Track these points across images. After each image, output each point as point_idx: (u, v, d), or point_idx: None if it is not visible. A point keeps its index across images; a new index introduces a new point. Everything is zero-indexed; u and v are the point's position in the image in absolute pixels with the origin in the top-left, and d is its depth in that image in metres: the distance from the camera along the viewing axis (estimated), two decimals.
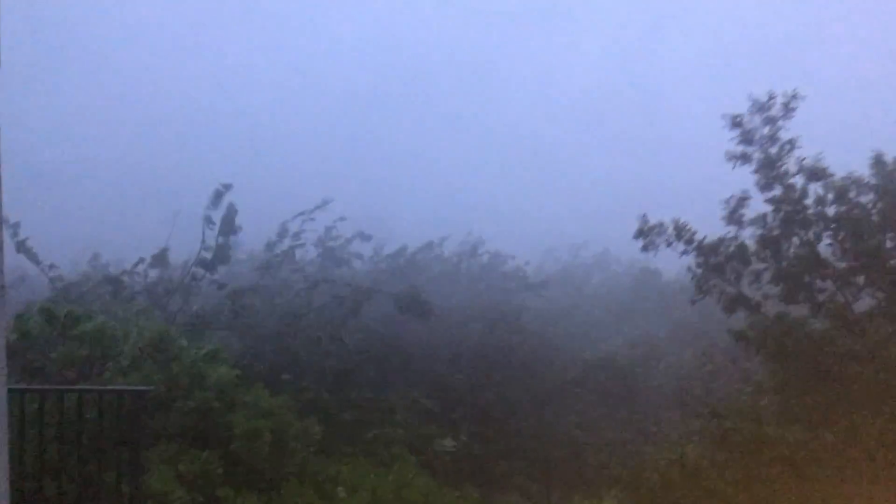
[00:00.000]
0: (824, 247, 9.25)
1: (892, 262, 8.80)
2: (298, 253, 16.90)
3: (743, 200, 9.53)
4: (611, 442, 15.14)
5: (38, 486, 6.60)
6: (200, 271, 14.80)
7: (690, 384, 14.87)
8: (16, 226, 14.21)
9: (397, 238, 19.72)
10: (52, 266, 15.23)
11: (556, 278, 21.07)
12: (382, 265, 18.77)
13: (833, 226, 9.02)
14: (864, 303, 9.08)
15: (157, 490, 7.70)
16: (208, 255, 14.60)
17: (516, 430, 15.68)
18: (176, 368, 8.96)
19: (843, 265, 9.01)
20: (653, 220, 10.14)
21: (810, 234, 9.12)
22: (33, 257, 14.58)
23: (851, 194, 9.00)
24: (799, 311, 9.30)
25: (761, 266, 9.49)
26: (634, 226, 10.32)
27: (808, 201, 9.16)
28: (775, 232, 9.26)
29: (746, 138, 9.50)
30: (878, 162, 8.96)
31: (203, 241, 14.56)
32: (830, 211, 9.12)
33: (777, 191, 9.35)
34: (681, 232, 9.78)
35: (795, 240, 9.22)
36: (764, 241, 9.26)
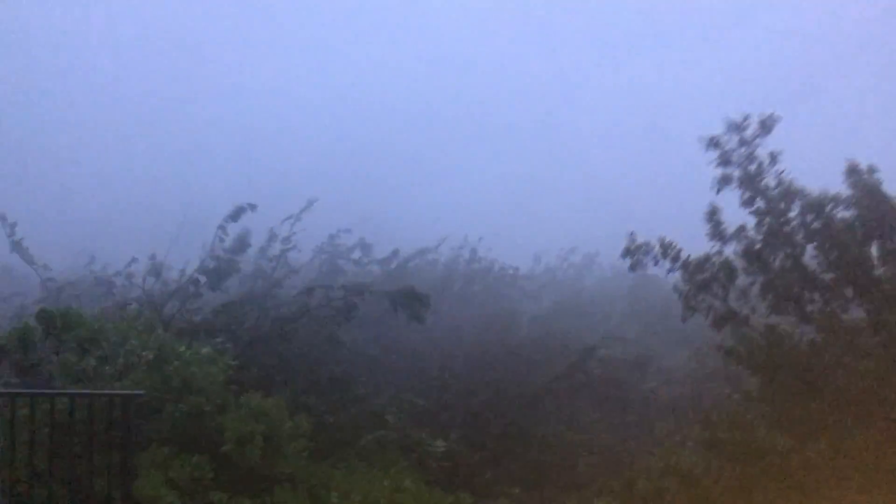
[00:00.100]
0: (811, 259, 9.26)
1: (877, 272, 8.82)
2: (292, 255, 16.88)
3: (714, 214, 9.57)
4: (603, 446, 15.15)
5: (29, 491, 6.58)
6: (202, 278, 14.78)
7: (683, 388, 14.90)
8: (13, 226, 14.19)
9: (389, 239, 19.77)
10: (45, 267, 15.18)
11: (548, 282, 21.12)
12: (375, 269, 18.79)
13: (817, 239, 9.04)
14: (853, 313, 9.10)
15: (148, 494, 7.67)
16: (213, 264, 14.58)
17: (509, 433, 15.66)
18: (168, 372, 8.93)
19: (829, 276, 9.02)
20: (640, 239, 10.20)
21: (795, 247, 9.13)
22: (28, 257, 14.54)
23: (829, 208, 9.03)
24: (788, 322, 9.32)
25: (748, 280, 9.50)
26: (622, 226, 10.41)
27: (792, 213, 9.18)
28: (758, 245, 9.28)
29: (725, 159, 9.56)
30: (852, 171, 9.01)
31: (212, 250, 14.54)
32: (814, 223, 9.14)
33: (759, 204, 9.38)
34: (667, 250, 9.82)
35: (780, 253, 9.23)
36: (748, 255, 9.28)
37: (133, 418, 6.64)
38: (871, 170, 9.05)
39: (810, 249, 9.28)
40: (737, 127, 9.57)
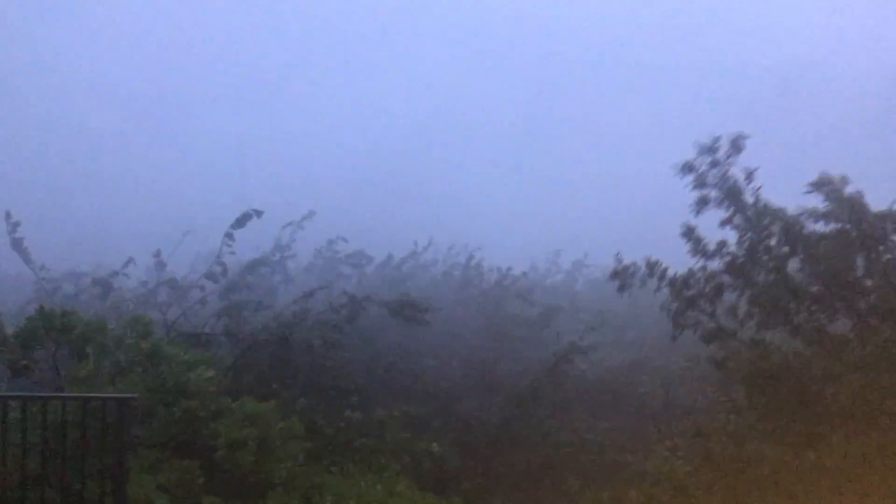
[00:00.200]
0: (796, 271, 9.33)
1: (863, 283, 8.89)
2: (291, 263, 16.90)
3: (691, 231, 9.66)
4: (596, 449, 15.18)
5: (20, 495, 6.57)
6: (209, 283, 14.84)
7: (676, 393, 14.90)
8: (15, 224, 14.18)
9: (388, 241, 19.79)
10: (42, 267, 15.16)
11: (539, 285, 21.16)
12: (371, 275, 18.81)
13: (799, 253, 9.12)
14: (842, 324, 9.17)
15: (141, 498, 7.66)
16: (219, 269, 14.69)
17: (501, 437, 15.68)
18: (163, 375, 8.92)
19: (814, 289, 9.08)
20: (626, 261, 10.30)
21: (778, 261, 9.19)
22: (26, 256, 14.52)
23: (808, 224, 9.11)
24: (777, 335, 9.38)
25: (735, 295, 9.56)
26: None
27: (774, 228, 9.25)
28: (741, 259, 9.35)
29: (700, 181, 9.66)
30: (824, 184, 9.09)
31: (218, 256, 14.67)
32: (795, 239, 9.22)
33: (739, 221, 9.46)
34: (653, 269, 9.90)
35: (763, 267, 9.30)
36: (732, 270, 9.35)
37: (126, 422, 6.63)
38: (843, 181, 9.14)
39: (795, 261, 9.34)
40: (708, 149, 9.71)
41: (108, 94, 41.17)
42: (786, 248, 9.20)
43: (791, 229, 9.04)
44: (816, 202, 9.32)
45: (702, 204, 9.60)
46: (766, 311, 9.08)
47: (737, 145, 9.57)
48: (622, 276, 10.17)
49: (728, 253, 9.55)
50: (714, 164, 9.62)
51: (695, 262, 9.79)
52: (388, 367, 16.26)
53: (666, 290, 9.95)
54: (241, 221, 14.48)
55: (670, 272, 9.92)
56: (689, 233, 9.72)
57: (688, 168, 9.73)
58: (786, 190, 9.88)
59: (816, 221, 9.16)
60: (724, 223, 9.58)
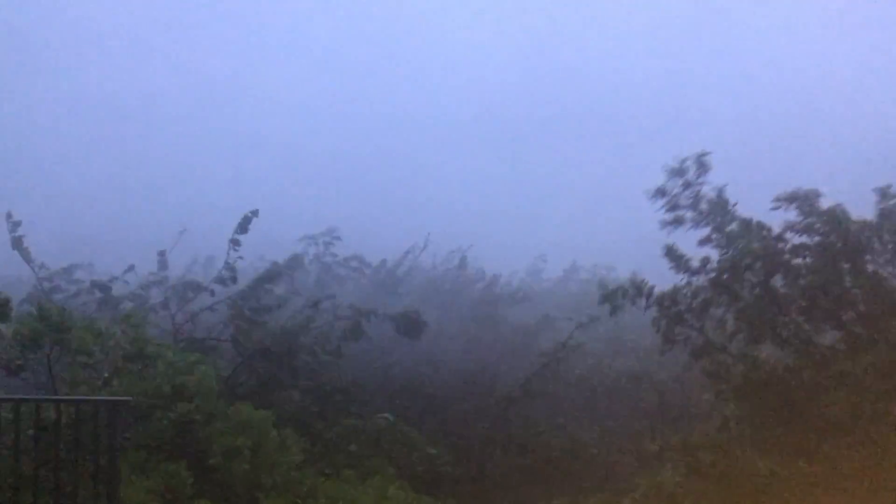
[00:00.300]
0: (781, 285, 9.40)
1: (849, 293, 8.94)
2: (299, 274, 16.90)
3: (672, 250, 9.73)
4: (590, 453, 15.25)
5: (13, 498, 6.59)
6: (218, 288, 14.92)
7: (670, 398, 14.95)
8: (16, 224, 14.20)
9: (374, 243, 19.84)
10: (41, 266, 15.17)
11: (530, 289, 21.23)
12: (366, 279, 18.86)
13: (780, 270, 9.18)
14: (831, 335, 9.23)
15: (133, 502, 7.69)
16: (228, 275, 14.77)
17: (494, 440, 15.74)
18: (158, 378, 8.93)
19: (800, 303, 9.14)
20: (612, 285, 10.40)
21: (762, 277, 9.26)
22: (26, 255, 14.54)
23: (790, 238, 9.17)
24: (766, 347, 9.43)
25: (721, 310, 9.63)
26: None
27: (755, 245, 9.31)
28: (725, 276, 9.42)
29: (673, 204, 9.74)
30: (797, 198, 9.16)
31: (227, 261, 14.77)
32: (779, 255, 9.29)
33: (718, 240, 9.54)
34: (639, 288, 9.97)
35: (747, 282, 9.36)
36: (717, 286, 9.41)
37: (119, 425, 6.65)
38: (816, 194, 9.22)
39: (778, 276, 9.40)
40: (678, 171, 9.81)
41: (109, 95, 41.21)
42: (767, 266, 9.27)
43: (770, 248, 9.11)
44: (789, 216, 9.46)
45: (676, 224, 9.71)
46: (753, 325, 9.13)
47: (703, 164, 9.71)
48: (611, 300, 10.28)
49: (712, 269, 9.65)
50: (686, 185, 9.74)
51: (679, 279, 9.89)
52: (385, 371, 16.33)
53: (654, 308, 10.06)
54: (244, 225, 14.53)
55: (657, 290, 10.04)
56: (670, 252, 9.83)
57: (660, 192, 9.86)
58: (759, 204, 9.99)
59: (799, 235, 9.23)
60: (703, 242, 9.70)
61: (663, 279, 10.19)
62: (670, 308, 9.70)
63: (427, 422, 15.39)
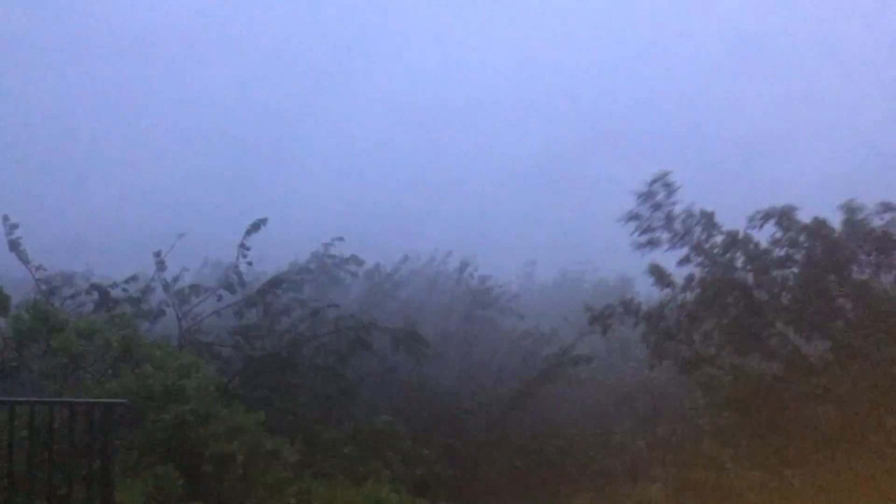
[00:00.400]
0: (766, 299, 9.48)
1: (837, 304, 9.01)
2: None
3: (657, 270, 9.84)
4: (585, 456, 15.29)
5: (7, 500, 6.61)
6: (226, 294, 14.93)
7: (665, 399, 15.00)
8: (13, 226, 14.22)
9: (372, 247, 19.87)
10: (39, 268, 15.17)
11: (525, 293, 21.34)
12: (363, 283, 18.88)
13: (765, 285, 9.27)
14: (820, 344, 9.29)
15: (128, 503, 7.71)
16: (236, 279, 14.77)
17: (490, 442, 15.79)
18: (151, 379, 8.92)
19: (786, 315, 9.21)
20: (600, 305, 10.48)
21: (745, 288, 9.34)
22: (23, 256, 14.55)
23: (774, 251, 9.25)
24: (755, 359, 9.50)
25: (709, 323, 9.71)
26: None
27: (737, 262, 9.40)
28: (710, 292, 9.50)
29: (647, 227, 9.85)
30: (770, 214, 9.24)
31: (235, 267, 14.77)
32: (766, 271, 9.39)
33: (698, 259, 9.64)
34: (628, 306, 10.09)
35: (733, 296, 9.44)
36: (704, 302, 9.50)
37: (114, 427, 6.67)
38: (792, 209, 9.31)
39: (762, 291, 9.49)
40: (647, 194, 9.91)
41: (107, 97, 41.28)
42: (751, 274, 9.36)
43: (758, 259, 9.19)
44: (764, 234, 9.58)
45: (652, 247, 9.83)
46: (740, 338, 9.21)
47: (669, 185, 9.82)
48: (601, 321, 10.42)
49: (697, 286, 9.75)
50: (655, 206, 9.85)
51: (664, 295, 10.00)
52: (383, 376, 16.37)
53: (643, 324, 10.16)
54: (252, 230, 14.56)
55: (644, 307, 10.15)
56: (655, 270, 9.92)
57: (634, 217, 9.97)
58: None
59: (782, 249, 9.32)
60: (682, 262, 9.81)
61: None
62: (658, 324, 9.81)
63: (423, 424, 15.43)
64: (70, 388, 9.05)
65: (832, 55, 40.33)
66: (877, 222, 9.22)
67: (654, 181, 9.87)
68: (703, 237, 9.63)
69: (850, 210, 9.31)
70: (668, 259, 10.21)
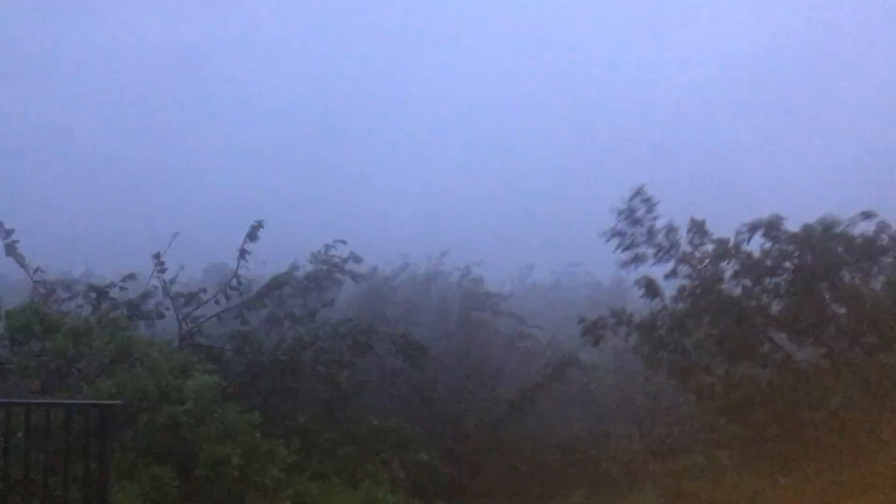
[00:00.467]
0: (755, 308, 9.52)
1: (830, 309, 9.04)
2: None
3: (649, 284, 9.90)
4: (582, 459, 15.31)
5: (2, 502, 6.64)
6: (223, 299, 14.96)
7: (662, 404, 15.02)
8: (9, 232, 14.26)
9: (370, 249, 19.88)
10: (37, 270, 15.21)
11: (518, 298, 21.41)
12: (361, 289, 18.90)
13: (754, 298, 9.32)
14: (811, 351, 9.32)
15: None
16: (235, 283, 14.83)
17: (488, 444, 15.81)
18: (143, 379, 8.92)
19: (779, 321, 9.25)
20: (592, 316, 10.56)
21: (731, 300, 9.39)
22: (20, 259, 14.59)
23: (767, 262, 9.30)
24: (746, 366, 9.54)
25: (700, 334, 9.77)
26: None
27: (726, 273, 9.45)
28: (699, 303, 9.55)
29: (630, 243, 9.91)
30: (757, 225, 9.30)
31: (236, 273, 14.81)
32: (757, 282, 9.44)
33: (685, 272, 9.71)
34: (620, 317, 10.14)
35: (720, 308, 9.49)
36: (695, 313, 9.55)
37: (110, 429, 6.69)
38: (779, 219, 9.37)
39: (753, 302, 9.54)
40: (627, 211, 9.98)
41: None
42: (745, 282, 9.40)
43: (750, 266, 9.23)
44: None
45: (637, 263, 9.89)
46: (730, 347, 9.25)
47: (647, 200, 9.87)
48: (593, 331, 10.47)
49: (686, 297, 9.80)
50: (635, 222, 9.91)
51: (655, 304, 10.05)
52: (382, 378, 16.39)
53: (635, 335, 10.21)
54: (252, 235, 14.59)
55: (636, 318, 10.21)
56: (647, 285, 9.97)
57: (617, 233, 10.03)
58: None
59: (771, 258, 9.36)
60: (669, 276, 9.86)
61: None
62: (650, 333, 9.86)
63: (422, 426, 15.45)
64: (65, 388, 9.07)
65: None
66: (862, 228, 9.27)
67: (632, 196, 9.94)
68: (690, 249, 9.67)
69: (826, 225, 9.36)
70: (658, 270, 10.26)
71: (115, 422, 7.56)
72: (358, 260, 18.00)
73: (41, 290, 15.02)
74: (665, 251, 9.81)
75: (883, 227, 9.17)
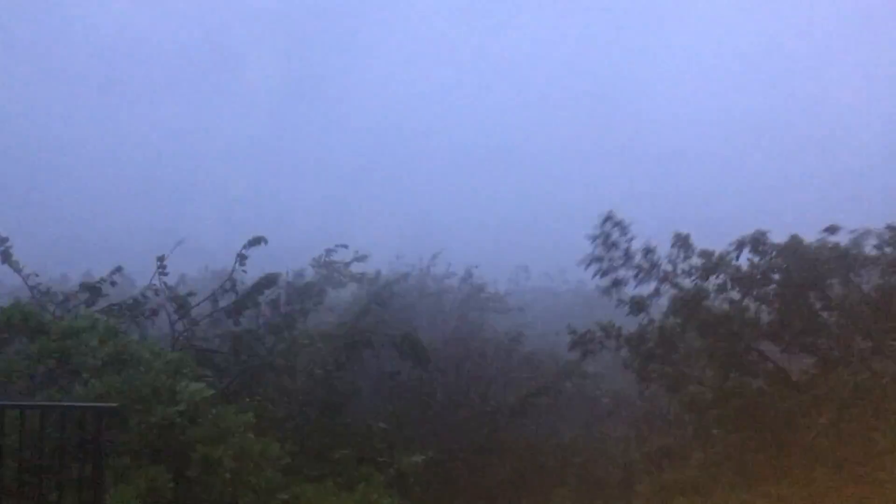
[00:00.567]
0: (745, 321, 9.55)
1: (820, 319, 9.06)
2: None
3: (640, 302, 9.94)
4: (580, 462, 15.31)
5: None
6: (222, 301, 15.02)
7: (659, 406, 15.04)
8: (4, 240, 14.30)
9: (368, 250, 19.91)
10: (33, 275, 15.22)
11: (515, 300, 21.46)
12: (360, 292, 18.93)
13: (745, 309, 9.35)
14: (803, 360, 9.34)
15: None
16: (229, 286, 14.89)
17: (486, 448, 15.81)
18: (136, 380, 8.91)
19: (769, 331, 9.28)
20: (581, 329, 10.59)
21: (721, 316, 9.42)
22: (15, 265, 14.61)
23: (755, 273, 9.32)
24: (736, 377, 9.57)
25: (688, 346, 9.79)
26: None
27: (711, 288, 9.47)
28: (686, 317, 9.58)
29: (608, 268, 9.95)
30: (744, 242, 9.34)
31: (231, 277, 14.90)
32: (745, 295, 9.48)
33: (667, 290, 9.75)
34: (608, 331, 10.18)
35: (711, 315, 9.51)
36: (679, 328, 9.58)
37: (105, 432, 6.69)
38: (763, 233, 9.40)
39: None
40: (602, 236, 10.02)
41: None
42: (733, 294, 9.43)
43: (737, 276, 9.27)
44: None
45: (617, 287, 9.92)
46: (719, 360, 9.28)
47: (619, 223, 9.91)
48: (581, 345, 10.49)
49: (670, 312, 9.83)
50: (611, 245, 9.94)
51: (642, 318, 10.07)
52: (381, 380, 16.40)
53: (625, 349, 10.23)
54: (252, 243, 14.65)
55: (625, 331, 10.23)
56: (636, 302, 9.99)
57: (595, 260, 10.06)
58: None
59: (762, 274, 9.40)
60: (652, 296, 9.89)
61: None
62: (640, 347, 9.89)
63: (419, 428, 15.47)
64: (57, 389, 9.06)
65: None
66: (843, 238, 9.30)
67: (604, 221, 10.00)
68: (671, 268, 9.73)
69: (795, 242, 9.40)
70: (641, 289, 10.30)
71: (111, 424, 7.58)
72: (362, 259, 18.08)
73: (37, 294, 15.05)
74: (645, 272, 9.85)
75: (867, 233, 9.19)
